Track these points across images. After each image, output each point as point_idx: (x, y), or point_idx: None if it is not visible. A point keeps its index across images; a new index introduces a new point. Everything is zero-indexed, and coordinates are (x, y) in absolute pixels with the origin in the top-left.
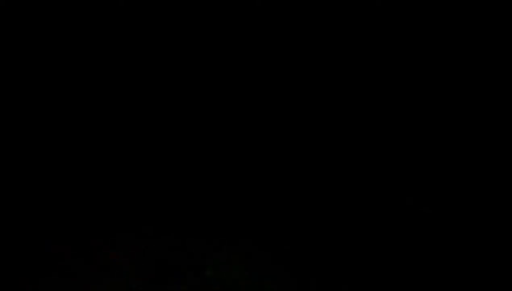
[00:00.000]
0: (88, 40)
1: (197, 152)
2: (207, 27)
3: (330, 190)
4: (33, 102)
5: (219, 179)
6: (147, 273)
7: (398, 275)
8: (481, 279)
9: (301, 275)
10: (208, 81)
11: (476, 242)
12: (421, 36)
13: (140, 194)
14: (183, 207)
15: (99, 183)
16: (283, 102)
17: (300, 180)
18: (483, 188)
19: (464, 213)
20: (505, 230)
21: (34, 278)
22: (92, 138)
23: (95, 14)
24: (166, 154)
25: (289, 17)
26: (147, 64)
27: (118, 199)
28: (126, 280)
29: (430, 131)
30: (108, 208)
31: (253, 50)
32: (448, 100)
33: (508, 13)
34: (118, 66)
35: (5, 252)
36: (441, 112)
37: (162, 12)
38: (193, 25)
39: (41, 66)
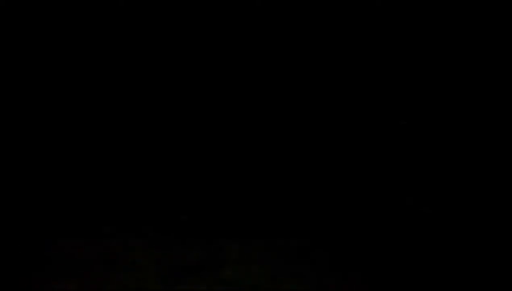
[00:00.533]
0: (88, 40)
1: (212, 153)
2: (207, 27)
3: (331, 190)
4: (33, 102)
5: (233, 181)
6: (165, 272)
7: (398, 275)
8: (481, 279)
9: (318, 274)
10: (208, 81)
11: (476, 242)
12: (421, 36)
13: (157, 191)
14: (200, 206)
15: (115, 179)
16: (285, 103)
17: (301, 179)
18: (483, 188)
19: (464, 213)
20: (505, 230)
21: (50, 277)
22: (101, 139)
23: (95, 14)
24: (181, 154)
25: (289, 17)
26: (147, 64)
27: (134, 195)
28: (143, 278)
29: (430, 131)
30: (124, 205)
31: (253, 50)
32: (447, 101)
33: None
34: (118, 66)
35: (18, 249)
36: (440, 112)
37: (162, 12)
38: (193, 25)
39: (41, 66)
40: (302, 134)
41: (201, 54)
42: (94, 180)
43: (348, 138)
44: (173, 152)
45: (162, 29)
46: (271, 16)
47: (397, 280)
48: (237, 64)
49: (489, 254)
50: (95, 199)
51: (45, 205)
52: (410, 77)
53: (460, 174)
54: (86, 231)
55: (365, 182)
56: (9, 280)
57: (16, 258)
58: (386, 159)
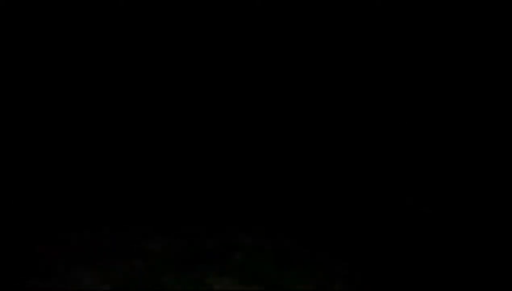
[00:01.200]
0: (88, 40)
1: (229, 151)
2: (207, 27)
3: (332, 190)
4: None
5: (244, 175)
6: (179, 256)
7: (398, 274)
8: (480, 278)
9: (325, 263)
10: (207, 81)
11: (476, 242)
12: (422, 36)
13: (173, 182)
14: (213, 195)
15: (130, 177)
16: (286, 104)
17: (303, 179)
18: (483, 188)
19: (464, 213)
20: (505, 229)
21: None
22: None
23: (95, 14)
24: (196, 151)
25: (289, 17)
26: (147, 64)
27: (150, 187)
28: (158, 262)
29: (430, 132)
30: (140, 195)
31: (253, 50)
32: (448, 101)
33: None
34: (117, 66)
35: (38, 240)
36: (441, 113)
37: (162, 12)
38: (193, 25)
39: (41, 66)
40: (302, 135)
41: (201, 54)
42: (112, 176)
43: (349, 139)
44: (185, 150)
45: (162, 29)
46: (271, 16)
47: (397, 279)
48: (237, 64)
49: (489, 254)
50: (110, 192)
51: (63, 200)
52: (411, 77)
53: (460, 174)
54: (101, 222)
55: (366, 182)
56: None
57: (38, 248)
58: (387, 159)
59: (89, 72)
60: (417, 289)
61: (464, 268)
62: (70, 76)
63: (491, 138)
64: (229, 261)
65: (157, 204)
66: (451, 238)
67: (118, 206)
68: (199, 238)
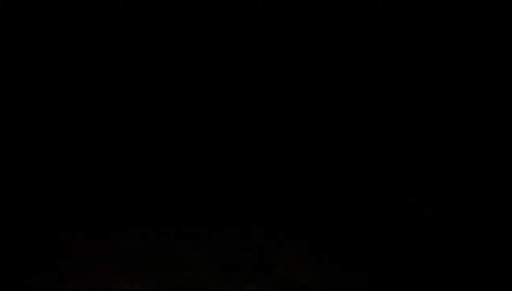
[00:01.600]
0: (88, 40)
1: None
2: (207, 27)
3: (332, 190)
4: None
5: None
6: (219, 269)
7: (398, 274)
8: (480, 278)
9: (371, 275)
10: (207, 81)
11: (476, 242)
12: (422, 36)
13: (212, 190)
14: (254, 206)
15: (163, 180)
16: (287, 104)
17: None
18: (483, 188)
19: (463, 213)
20: (505, 229)
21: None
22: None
23: (95, 14)
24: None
25: (289, 17)
26: (147, 64)
27: (188, 193)
28: (197, 273)
29: (430, 132)
30: (179, 202)
31: (253, 50)
32: (447, 101)
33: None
34: (118, 66)
35: (76, 242)
36: (440, 113)
37: (162, 12)
38: (193, 25)
39: (41, 66)
40: (303, 135)
41: (201, 54)
42: (142, 180)
43: (349, 139)
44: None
45: (162, 29)
46: (271, 16)
47: (397, 278)
48: (237, 64)
49: (489, 254)
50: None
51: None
52: (411, 78)
53: (460, 174)
54: (140, 228)
55: (366, 182)
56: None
57: (76, 250)
58: (387, 160)
59: (90, 72)
60: (417, 288)
61: (464, 267)
62: (71, 76)
63: (491, 139)
64: (269, 275)
65: (189, 206)
66: (451, 238)
67: (150, 210)
68: (238, 251)
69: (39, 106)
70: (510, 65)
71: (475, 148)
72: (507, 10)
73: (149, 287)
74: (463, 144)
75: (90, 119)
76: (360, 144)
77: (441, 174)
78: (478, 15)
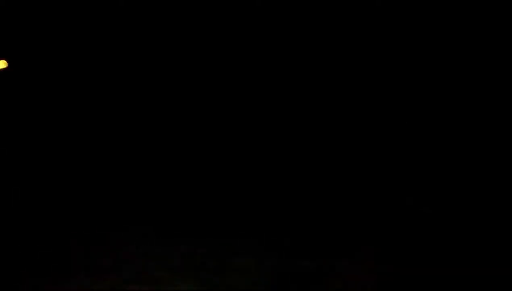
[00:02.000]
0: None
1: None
2: (207, 27)
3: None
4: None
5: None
6: (273, 278)
7: (398, 274)
8: (480, 278)
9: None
10: (207, 81)
11: (476, 242)
12: (422, 36)
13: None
14: (306, 217)
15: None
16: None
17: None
18: (482, 188)
19: (463, 213)
20: (504, 229)
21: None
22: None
23: (95, 14)
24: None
25: (288, 17)
26: (148, 64)
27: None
28: (251, 281)
29: (430, 132)
30: (179, 203)
31: (253, 50)
32: (448, 102)
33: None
34: (118, 66)
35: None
36: (441, 113)
37: (162, 12)
38: (193, 25)
39: (41, 66)
40: (303, 135)
41: (201, 54)
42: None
43: (349, 140)
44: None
45: (162, 29)
46: (271, 16)
47: (397, 278)
48: (237, 64)
49: (489, 254)
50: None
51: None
52: (411, 78)
53: (460, 175)
54: (140, 229)
55: (366, 182)
56: None
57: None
58: (387, 160)
59: (91, 73)
60: (416, 288)
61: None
62: (72, 77)
63: (490, 139)
64: (323, 286)
65: (247, 222)
66: (451, 238)
67: (150, 210)
68: (294, 261)
69: (39, 106)
70: (510, 65)
71: (475, 148)
72: (507, 10)
73: (149, 288)
74: (463, 144)
75: (91, 121)
76: (360, 145)
77: (441, 174)
78: (478, 15)
